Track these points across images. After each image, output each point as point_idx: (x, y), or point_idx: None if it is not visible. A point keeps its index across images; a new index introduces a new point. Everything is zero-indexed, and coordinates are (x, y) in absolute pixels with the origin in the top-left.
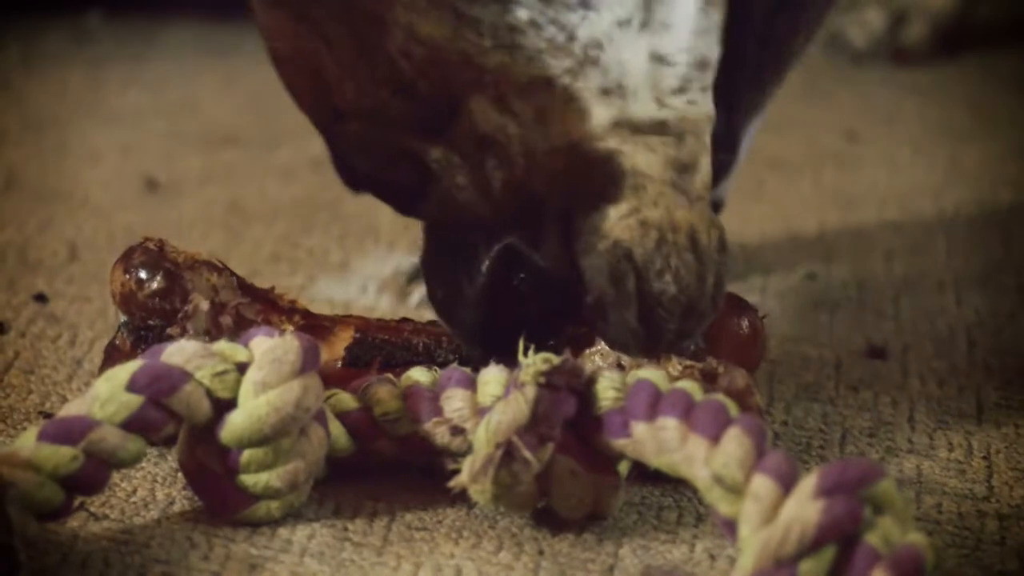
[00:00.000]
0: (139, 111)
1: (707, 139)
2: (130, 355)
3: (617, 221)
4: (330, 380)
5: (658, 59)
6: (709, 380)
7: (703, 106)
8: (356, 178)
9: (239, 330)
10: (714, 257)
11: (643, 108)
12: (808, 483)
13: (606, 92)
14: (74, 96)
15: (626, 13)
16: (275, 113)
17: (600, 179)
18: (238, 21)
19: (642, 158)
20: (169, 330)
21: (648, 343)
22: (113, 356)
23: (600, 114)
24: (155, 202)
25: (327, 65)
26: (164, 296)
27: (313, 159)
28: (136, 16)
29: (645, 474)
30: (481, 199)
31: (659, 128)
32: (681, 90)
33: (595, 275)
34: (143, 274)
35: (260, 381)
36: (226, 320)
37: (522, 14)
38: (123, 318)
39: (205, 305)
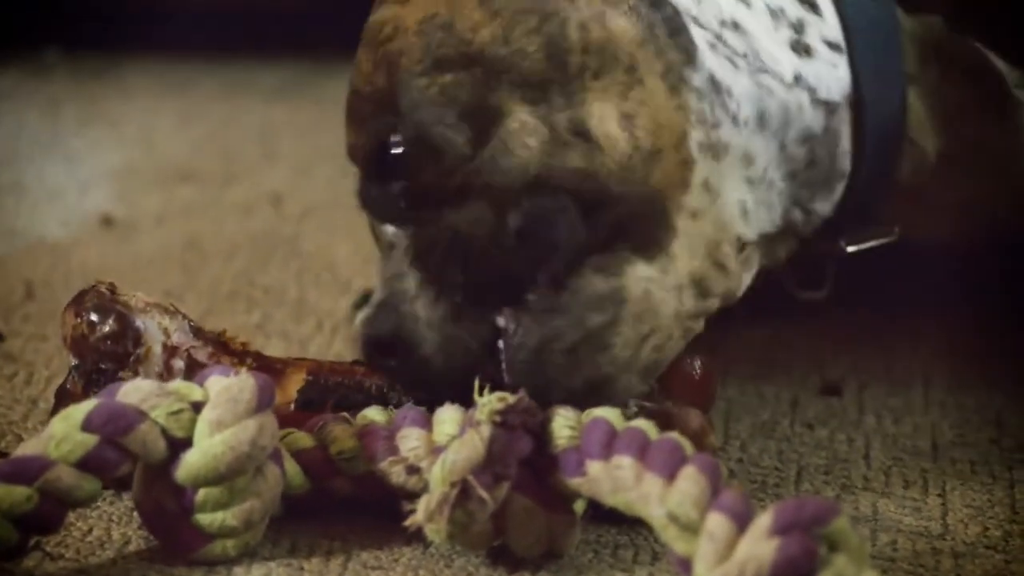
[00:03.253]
0: (96, 148)
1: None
2: (82, 399)
3: (639, 277)
4: (282, 423)
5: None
6: (663, 421)
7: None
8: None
9: (191, 373)
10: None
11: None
12: (763, 522)
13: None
14: (31, 133)
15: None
16: (232, 149)
17: (657, 235)
18: (196, 58)
19: (686, 258)
20: (121, 374)
21: (542, 375)
22: (64, 400)
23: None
24: (112, 239)
25: (467, 5)
26: (116, 340)
27: (271, 195)
28: (93, 53)
29: (601, 513)
30: (535, 164)
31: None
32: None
33: (590, 292)
34: (94, 317)
35: (215, 420)
36: (178, 363)
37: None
38: (74, 361)
39: (158, 348)
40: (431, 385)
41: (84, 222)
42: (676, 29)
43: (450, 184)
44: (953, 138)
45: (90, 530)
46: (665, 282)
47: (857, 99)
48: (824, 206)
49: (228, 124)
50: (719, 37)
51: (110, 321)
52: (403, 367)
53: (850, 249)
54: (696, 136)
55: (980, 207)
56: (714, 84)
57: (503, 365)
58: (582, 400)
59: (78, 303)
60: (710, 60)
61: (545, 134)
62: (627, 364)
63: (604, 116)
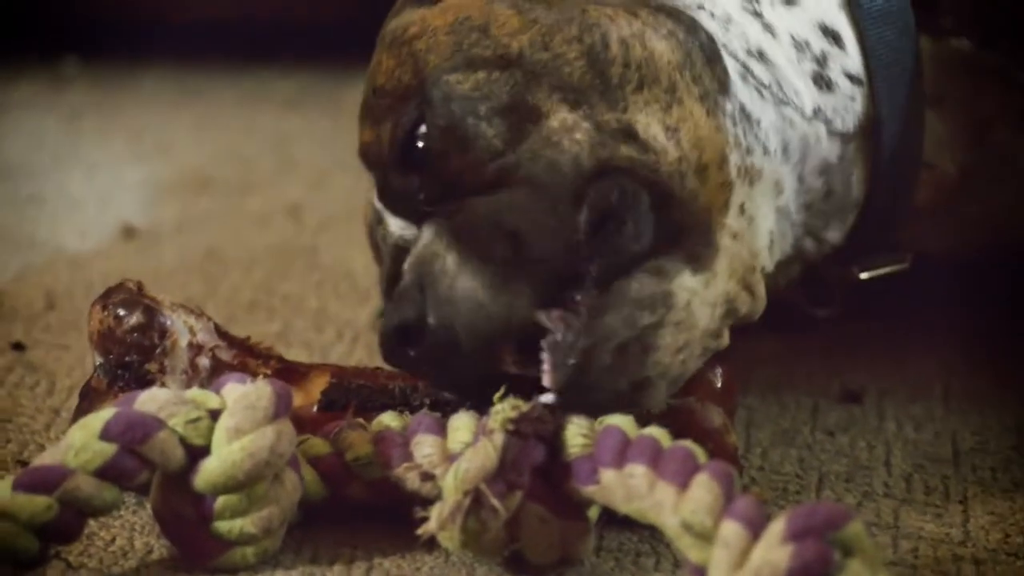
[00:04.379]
0: (116, 158)
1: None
2: (107, 395)
3: (685, 286)
4: (306, 424)
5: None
6: (685, 417)
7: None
8: (435, 139)
9: (216, 372)
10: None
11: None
12: (777, 528)
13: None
14: (51, 144)
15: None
16: (250, 159)
17: (705, 250)
18: (213, 68)
19: (724, 277)
20: (147, 366)
21: (589, 376)
22: (90, 396)
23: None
24: (132, 250)
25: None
26: (143, 332)
27: (289, 205)
28: (112, 63)
29: (619, 519)
30: (587, 155)
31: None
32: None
33: (641, 292)
34: (122, 311)
35: (234, 427)
36: (203, 361)
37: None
38: (99, 360)
39: (184, 342)
40: (455, 371)
41: (104, 232)
42: (711, 58)
43: (479, 178)
44: (982, 148)
45: (113, 539)
46: (705, 297)
47: (874, 131)
48: (835, 234)
49: (246, 134)
50: (747, 68)
51: (137, 314)
52: (427, 353)
53: (863, 276)
54: (733, 159)
55: (1005, 217)
56: (744, 113)
57: (545, 366)
58: (624, 405)
59: (105, 298)
60: (741, 90)
61: (591, 130)
62: (666, 371)
63: (649, 124)
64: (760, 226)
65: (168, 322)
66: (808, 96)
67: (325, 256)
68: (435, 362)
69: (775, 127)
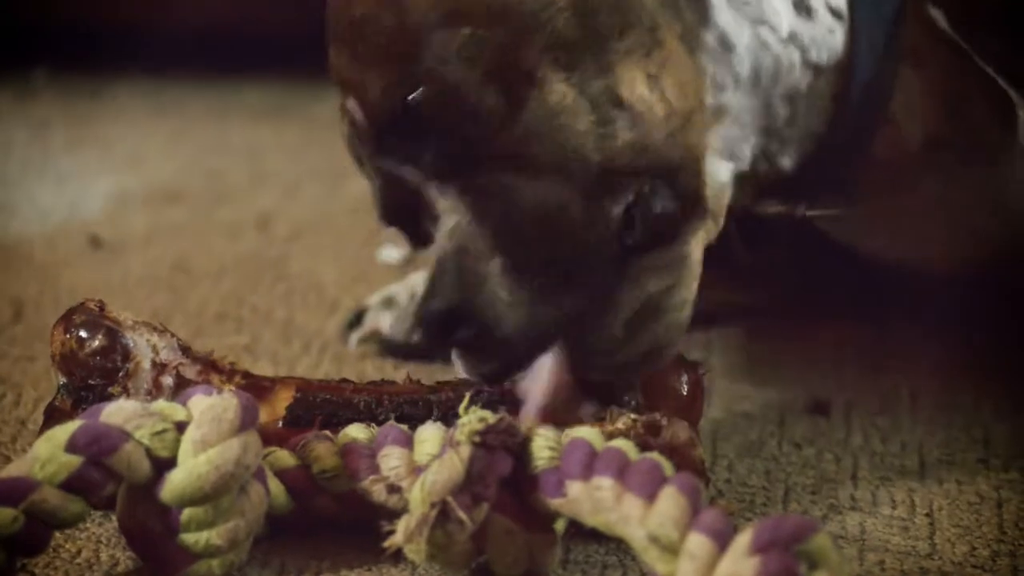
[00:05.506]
0: (84, 169)
1: None
2: (71, 415)
3: (698, 241)
4: (271, 441)
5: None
6: (652, 433)
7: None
8: (434, 98)
9: (180, 391)
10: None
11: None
12: (743, 540)
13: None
14: (19, 154)
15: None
16: (220, 170)
17: (705, 198)
18: (184, 78)
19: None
20: (110, 389)
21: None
22: (54, 417)
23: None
24: (100, 260)
25: None
26: (105, 355)
27: (259, 216)
28: (81, 74)
29: (587, 531)
30: (592, 149)
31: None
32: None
33: (657, 258)
34: (83, 333)
35: (200, 439)
36: (167, 380)
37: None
38: (62, 380)
39: (147, 363)
40: (506, 362)
41: (72, 243)
42: None
43: (491, 149)
44: (954, 123)
45: (79, 552)
46: (702, 241)
47: (848, 69)
48: (788, 161)
49: (216, 145)
50: None
51: (99, 336)
52: (479, 340)
53: (807, 213)
54: (708, 100)
55: (965, 216)
56: (724, 43)
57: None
58: (633, 371)
59: (67, 320)
60: (724, 15)
61: (588, 109)
62: (678, 329)
63: (633, 80)
64: (723, 157)
65: (131, 344)
66: (785, 17)
67: (294, 267)
68: (486, 350)
69: (749, 50)
